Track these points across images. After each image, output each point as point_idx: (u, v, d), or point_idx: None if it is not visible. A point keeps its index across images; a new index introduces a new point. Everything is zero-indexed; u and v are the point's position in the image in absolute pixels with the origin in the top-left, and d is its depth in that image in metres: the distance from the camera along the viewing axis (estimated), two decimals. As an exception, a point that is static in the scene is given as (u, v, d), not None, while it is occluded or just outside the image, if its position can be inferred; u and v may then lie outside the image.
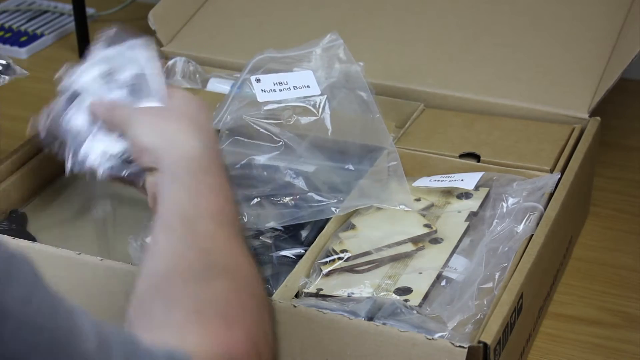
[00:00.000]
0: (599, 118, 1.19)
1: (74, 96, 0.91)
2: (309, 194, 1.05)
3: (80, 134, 0.89)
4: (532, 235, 0.98)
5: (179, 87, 1.01)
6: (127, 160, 0.87)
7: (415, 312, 0.91)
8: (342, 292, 0.95)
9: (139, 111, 0.87)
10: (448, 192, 1.10)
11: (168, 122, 0.84)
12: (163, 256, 0.72)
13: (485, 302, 0.91)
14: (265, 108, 1.06)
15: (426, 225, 1.03)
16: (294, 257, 1.01)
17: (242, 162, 1.08)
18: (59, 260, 0.93)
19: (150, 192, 0.82)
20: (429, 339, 0.83)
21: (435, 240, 1.02)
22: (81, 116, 0.90)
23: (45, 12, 1.77)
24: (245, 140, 1.06)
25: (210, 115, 0.93)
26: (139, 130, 0.84)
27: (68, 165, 0.90)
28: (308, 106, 1.06)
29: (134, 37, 0.93)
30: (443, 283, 0.97)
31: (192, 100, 0.88)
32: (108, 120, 0.88)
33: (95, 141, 0.89)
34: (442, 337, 0.86)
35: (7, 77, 1.06)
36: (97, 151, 0.88)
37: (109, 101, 0.90)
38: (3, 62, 1.05)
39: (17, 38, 1.68)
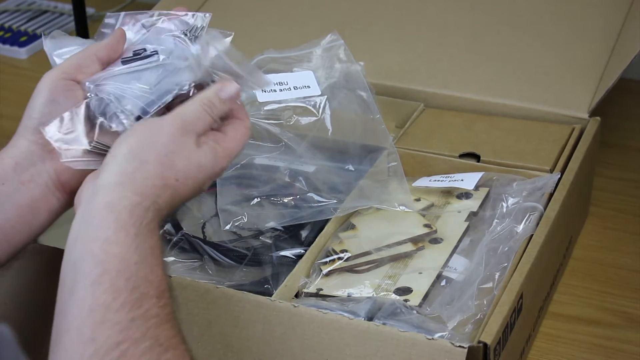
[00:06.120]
0: (599, 118, 1.19)
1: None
2: (309, 194, 1.06)
3: None
4: (532, 235, 0.98)
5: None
6: None
7: (415, 312, 0.91)
8: (342, 292, 0.95)
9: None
10: (448, 192, 1.10)
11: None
12: None
13: (485, 302, 0.91)
14: (265, 108, 1.06)
15: (426, 225, 1.03)
16: (294, 257, 1.01)
17: (242, 162, 1.09)
18: (59, 261, 0.93)
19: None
20: (429, 339, 0.83)
21: (435, 240, 1.02)
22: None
23: (45, 12, 1.77)
24: (245, 140, 1.06)
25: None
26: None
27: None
28: (308, 106, 1.05)
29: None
30: (443, 283, 0.97)
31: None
32: None
33: None
34: (442, 337, 0.86)
35: None
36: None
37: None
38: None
39: (17, 38, 1.68)
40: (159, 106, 0.84)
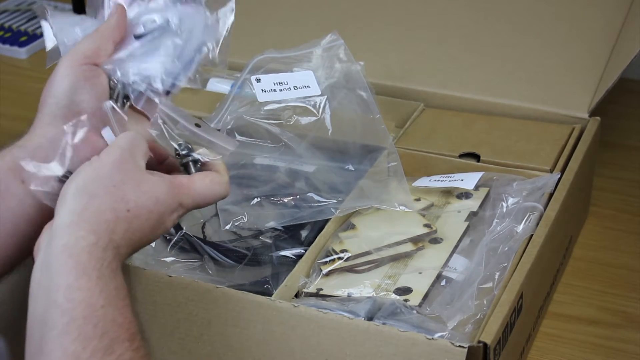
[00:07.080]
0: (598, 118, 1.19)
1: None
2: (309, 194, 1.06)
3: None
4: (532, 235, 0.98)
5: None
6: None
7: (415, 312, 0.91)
8: (342, 292, 0.95)
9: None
10: (448, 192, 1.10)
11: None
12: None
13: (485, 302, 0.91)
14: (265, 108, 1.06)
15: (426, 225, 1.03)
16: (294, 257, 1.01)
17: (242, 162, 1.09)
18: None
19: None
20: (429, 339, 0.83)
21: (435, 240, 1.02)
22: None
23: (46, 12, 1.77)
24: (245, 140, 1.06)
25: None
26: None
27: None
28: (308, 106, 1.05)
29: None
30: (443, 283, 0.97)
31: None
32: None
33: None
34: (442, 337, 0.86)
35: None
36: None
37: None
38: None
39: (17, 38, 1.68)
40: (187, 76, 0.84)
